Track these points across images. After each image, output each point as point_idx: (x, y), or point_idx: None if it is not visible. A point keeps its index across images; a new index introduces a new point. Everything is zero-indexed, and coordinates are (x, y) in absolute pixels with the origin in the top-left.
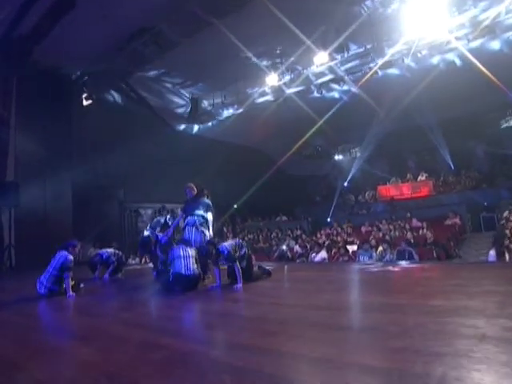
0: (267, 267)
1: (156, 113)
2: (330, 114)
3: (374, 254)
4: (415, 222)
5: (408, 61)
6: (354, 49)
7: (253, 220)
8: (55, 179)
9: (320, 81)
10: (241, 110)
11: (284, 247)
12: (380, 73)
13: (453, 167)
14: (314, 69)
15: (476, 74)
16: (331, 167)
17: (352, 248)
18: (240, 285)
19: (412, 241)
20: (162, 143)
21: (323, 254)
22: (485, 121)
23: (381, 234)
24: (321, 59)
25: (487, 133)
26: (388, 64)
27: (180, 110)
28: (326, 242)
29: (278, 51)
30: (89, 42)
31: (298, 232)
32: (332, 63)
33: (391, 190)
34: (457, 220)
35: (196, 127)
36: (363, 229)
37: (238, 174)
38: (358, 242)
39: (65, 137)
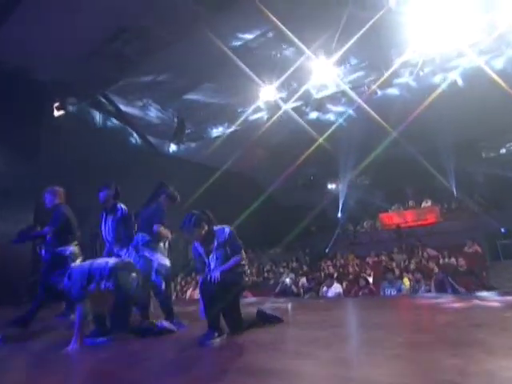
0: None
1: (137, 131)
2: (325, 138)
3: (403, 286)
4: (430, 251)
5: (410, 79)
6: (356, 63)
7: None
8: (14, 207)
9: (320, 95)
10: (232, 129)
11: (288, 280)
12: (379, 93)
13: (455, 193)
14: (314, 82)
15: (476, 96)
16: (325, 196)
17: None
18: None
19: (436, 270)
20: (140, 167)
21: (337, 287)
22: (483, 145)
23: (394, 264)
24: (322, 70)
25: (487, 157)
26: (391, 80)
27: (164, 129)
28: (335, 274)
29: (275, 61)
30: (61, 41)
31: (294, 264)
32: (334, 74)
33: (394, 217)
34: (477, 247)
35: (181, 148)
36: (369, 259)
37: (225, 202)
38: (371, 273)
39: (31, 153)
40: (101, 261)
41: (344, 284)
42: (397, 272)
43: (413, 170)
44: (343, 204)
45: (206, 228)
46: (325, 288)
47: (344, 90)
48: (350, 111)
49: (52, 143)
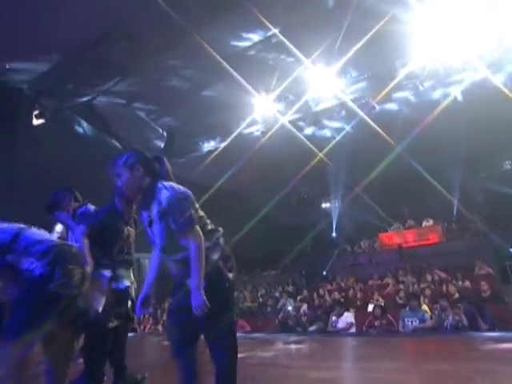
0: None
1: (124, 145)
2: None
3: (426, 315)
4: (439, 273)
5: (409, 94)
6: (357, 74)
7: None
8: None
9: (319, 108)
10: (224, 144)
11: (290, 308)
12: (378, 108)
13: (456, 212)
14: (314, 94)
15: (475, 112)
16: (319, 216)
17: (370, 308)
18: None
19: (457, 295)
20: None
21: (348, 316)
22: (483, 162)
23: (401, 286)
24: (322, 81)
25: (487, 175)
26: (390, 94)
27: (153, 143)
28: (342, 301)
29: (273, 71)
30: (39, 43)
31: (290, 288)
32: (335, 86)
33: (394, 237)
34: (489, 269)
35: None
36: (372, 282)
37: (215, 221)
38: (378, 299)
39: (4, 161)
40: (42, 231)
41: (352, 311)
42: (403, 297)
43: (410, 188)
44: (337, 223)
45: (148, 180)
46: (334, 318)
47: (344, 102)
48: (347, 127)
49: (28, 152)
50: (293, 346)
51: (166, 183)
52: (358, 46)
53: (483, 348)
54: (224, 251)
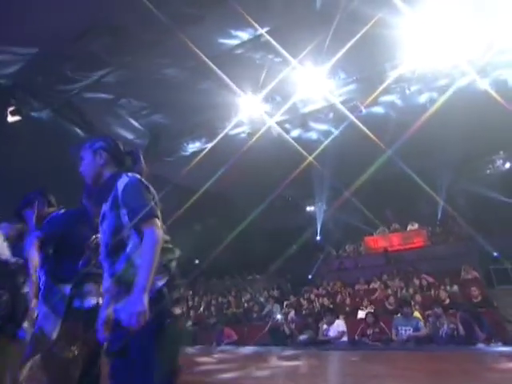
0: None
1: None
2: (307, 157)
3: (420, 323)
4: (426, 277)
5: (396, 98)
6: (346, 76)
7: (219, 278)
8: None
9: (307, 109)
10: (210, 145)
11: (279, 316)
12: (364, 111)
13: (441, 216)
14: (302, 95)
15: (461, 117)
16: (304, 219)
17: (360, 314)
18: None
19: (448, 301)
20: None
21: (340, 325)
22: (469, 167)
23: (389, 291)
24: (311, 82)
25: (472, 179)
26: (377, 97)
27: (136, 142)
28: (331, 307)
29: (260, 71)
30: (19, 34)
31: (276, 292)
32: (324, 87)
33: (380, 240)
34: (475, 273)
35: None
36: (358, 287)
37: (199, 224)
38: (367, 306)
39: None
40: None
41: (342, 318)
42: (393, 302)
43: (395, 192)
44: (322, 227)
45: (112, 170)
46: (325, 326)
47: (332, 105)
48: (333, 130)
49: (5, 149)
50: (290, 363)
51: (130, 173)
52: (346, 47)
53: (496, 367)
54: (173, 278)
